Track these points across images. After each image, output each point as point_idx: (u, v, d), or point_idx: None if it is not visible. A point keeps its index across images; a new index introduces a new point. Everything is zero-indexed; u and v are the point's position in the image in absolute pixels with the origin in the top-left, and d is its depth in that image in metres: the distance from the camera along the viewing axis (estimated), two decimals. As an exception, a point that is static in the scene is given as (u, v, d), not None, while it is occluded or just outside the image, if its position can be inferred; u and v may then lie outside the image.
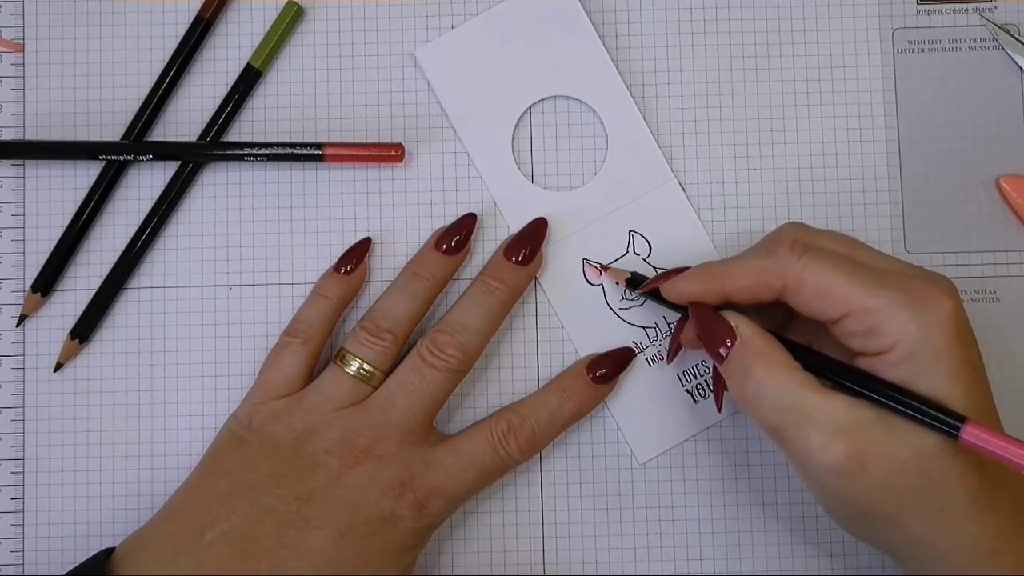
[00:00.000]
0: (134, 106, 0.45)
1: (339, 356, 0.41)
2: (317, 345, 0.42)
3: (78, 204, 0.44)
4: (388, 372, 0.41)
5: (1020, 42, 0.45)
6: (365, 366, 0.41)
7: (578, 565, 0.44)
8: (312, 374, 0.42)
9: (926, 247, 0.45)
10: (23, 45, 0.45)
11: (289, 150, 0.44)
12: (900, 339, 0.35)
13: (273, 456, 0.40)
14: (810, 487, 0.38)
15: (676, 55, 0.45)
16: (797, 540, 0.44)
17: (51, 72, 0.45)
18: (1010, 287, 0.45)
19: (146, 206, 0.44)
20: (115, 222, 0.45)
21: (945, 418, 0.34)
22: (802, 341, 0.39)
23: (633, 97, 0.45)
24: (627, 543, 0.44)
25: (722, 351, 0.37)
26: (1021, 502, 0.36)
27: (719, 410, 0.43)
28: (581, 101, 0.45)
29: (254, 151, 0.44)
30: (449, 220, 0.44)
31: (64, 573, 0.39)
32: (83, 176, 0.45)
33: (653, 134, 0.45)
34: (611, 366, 0.43)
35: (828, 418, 0.35)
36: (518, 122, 0.45)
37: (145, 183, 0.45)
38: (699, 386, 0.44)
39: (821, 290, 0.36)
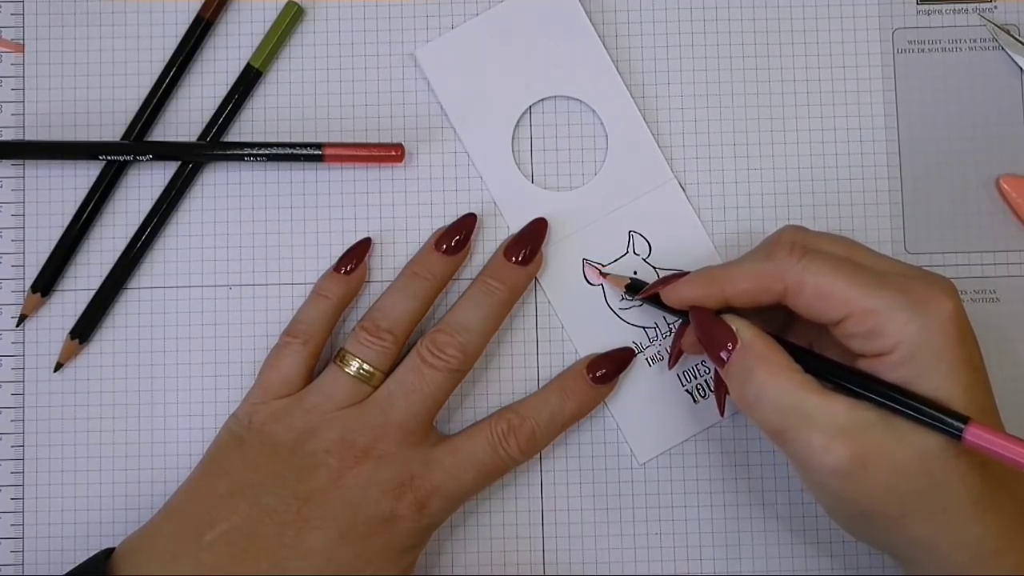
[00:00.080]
0: (134, 106, 0.45)
1: (339, 356, 0.41)
2: (317, 345, 0.42)
3: (78, 204, 0.44)
4: (388, 372, 0.41)
5: (1020, 42, 0.45)
6: (365, 366, 0.41)
7: (578, 565, 0.44)
8: (312, 374, 0.42)
9: (926, 247, 0.45)
10: (23, 45, 0.45)
11: (289, 150, 0.44)
12: (901, 340, 0.35)
13: (273, 456, 0.40)
14: (811, 488, 0.38)
15: (676, 55, 0.45)
16: (797, 540, 0.44)
17: (51, 72, 0.45)
18: (1010, 287, 0.45)
19: (146, 206, 0.44)
20: (115, 222, 0.45)
21: (947, 419, 0.34)
22: (802, 343, 0.39)
23: (633, 97, 0.45)
24: (627, 543, 0.44)
25: (723, 355, 0.37)
26: (1022, 502, 0.36)
27: (722, 414, 0.43)
28: (581, 101, 0.45)
29: (254, 151, 0.44)
30: (449, 220, 0.44)
31: (64, 573, 0.39)
32: (83, 176, 0.45)
33: (653, 134, 0.45)
34: (611, 366, 0.43)
35: (829, 420, 0.35)
36: (518, 122, 0.45)
37: (145, 183, 0.45)
38: (699, 386, 0.44)
39: (821, 292, 0.36)
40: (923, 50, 0.45)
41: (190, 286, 0.45)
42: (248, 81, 0.45)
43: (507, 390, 0.44)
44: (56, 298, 0.44)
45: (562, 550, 0.44)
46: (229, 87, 0.45)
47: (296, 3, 0.45)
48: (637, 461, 0.44)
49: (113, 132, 0.45)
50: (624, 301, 0.44)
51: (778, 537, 0.44)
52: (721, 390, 0.42)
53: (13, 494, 0.44)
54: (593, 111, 0.45)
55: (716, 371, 0.42)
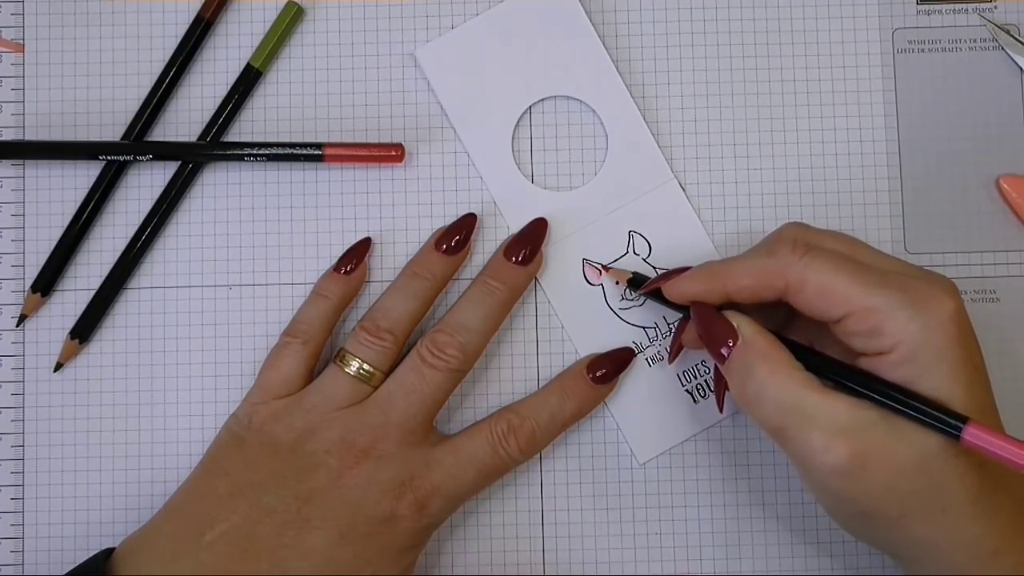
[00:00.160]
0: (134, 106, 0.45)
1: (339, 356, 0.41)
2: (317, 345, 0.42)
3: (78, 204, 0.44)
4: (388, 372, 0.41)
5: (1020, 42, 0.45)
6: (365, 366, 0.41)
7: (578, 565, 0.44)
8: (312, 374, 0.42)
9: (926, 247, 0.45)
10: (23, 45, 0.45)
11: (289, 150, 0.44)
12: (902, 339, 0.35)
13: (273, 456, 0.40)
14: (811, 487, 0.38)
15: (676, 55, 0.45)
16: (797, 540, 0.44)
17: (51, 72, 0.45)
18: (1010, 287, 0.45)
19: (146, 206, 0.44)
20: (115, 222, 0.45)
21: (947, 419, 0.34)
22: (803, 341, 0.39)
23: (633, 97, 0.45)
24: (627, 543, 0.44)
25: (724, 351, 0.37)
26: (1022, 502, 0.36)
27: (721, 410, 0.43)
28: (581, 101, 0.45)
29: (254, 151, 0.44)
30: (449, 220, 0.44)
31: (64, 573, 0.39)
32: (83, 176, 0.45)
33: (653, 134, 0.45)
34: (611, 366, 0.43)
35: (830, 419, 0.35)
36: (518, 122, 0.45)
37: (145, 183, 0.45)
38: (699, 386, 0.44)
39: (823, 290, 0.36)
40: (923, 50, 0.45)
41: (190, 286, 0.45)
42: (248, 81, 0.45)
43: (507, 390, 0.44)
44: (56, 298, 0.44)
45: (562, 550, 0.44)
46: (229, 87, 0.45)
47: (296, 3, 0.45)
48: (637, 461, 0.44)
49: (113, 132, 0.45)
50: (624, 301, 0.44)
51: (778, 537, 0.44)
52: (721, 386, 0.42)
53: (13, 494, 0.44)
54: (593, 111, 0.45)
55: (716, 368, 0.42)
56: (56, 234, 0.44)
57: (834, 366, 0.37)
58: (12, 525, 0.44)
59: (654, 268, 0.44)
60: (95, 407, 0.44)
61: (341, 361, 0.41)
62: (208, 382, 0.44)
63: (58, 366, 0.44)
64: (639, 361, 0.44)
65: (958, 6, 0.45)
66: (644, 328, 0.44)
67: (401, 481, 0.39)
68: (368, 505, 0.39)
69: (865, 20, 0.45)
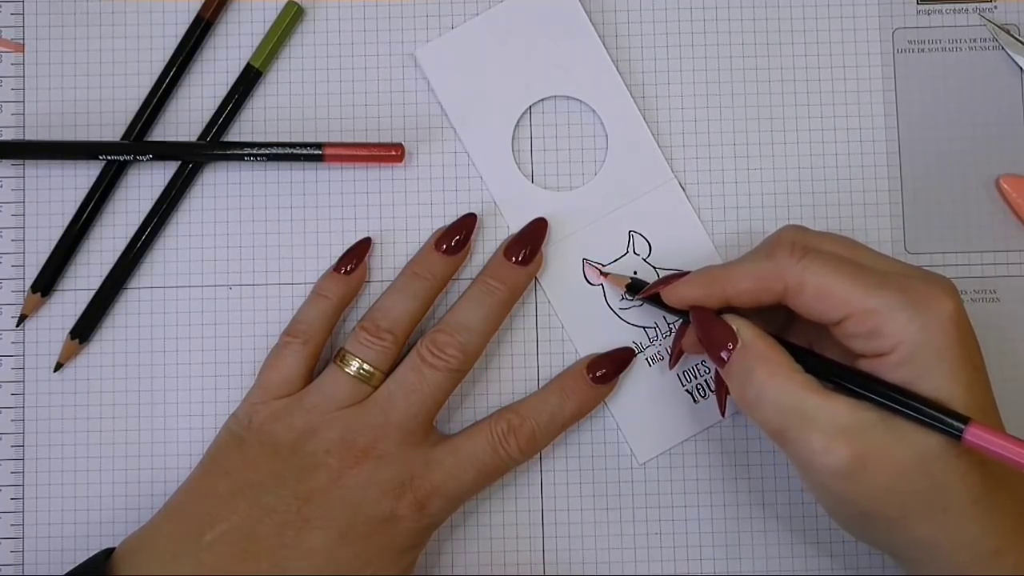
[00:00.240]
0: (134, 106, 0.45)
1: (339, 356, 0.41)
2: (317, 345, 0.42)
3: (78, 204, 0.44)
4: (388, 372, 0.41)
5: (1020, 42, 0.45)
6: (365, 366, 0.41)
7: (578, 565, 0.44)
8: (312, 374, 0.42)
9: (926, 247, 0.45)
10: (23, 45, 0.45)
11: (289, 150, 0.43)
12: (901, 340, 0.35)
13: (273, 456, 0.40)
14: (811, 489, 0.38)
15: (676, 55, 0.45)
16: (797, 540, 0.44)
17: (51, 72, 0.45)
18: (1010, 287, 0.45)
19: (146, 206, 0.44)
20: (115, 222, 0.45)
21: (948, 419, 0.34)
22: (803, 343, 0.39)
23: (633, 97, 0.45)
24: (627, 543, 0.44)
25: (723, 355, 0.37)
26: (1023, 502, 0.36)
27: (722, 414, 0.43)
28: (581, 101, 0.45)
29: (254, 151, 0.44)
30: (449, 220, 0.44)
31: (64, 573, 0.39)
32: (83, 176, 0.45)
33: (653, 134, 0.45)
34: (611, 366, 0.43)
35: (830, 420, 0.34)
36: (518, 122, 0.45)
37: (145, 183, 0.45)
38: (699, 386, 0.44)
39: (822, 292, 0.36)
40: (923, 50, 0.45)
41: (190, 286, 0.45)
42: (248, 81, 0.45)
43: (507, 390, 0.44)
44: (56, 298, 0.44)
45: (562, 550, 0.44)
46: (229, 87, 0.45)
47: (296, 3, 0.45)
48: (637, 461, 0.44)
49: (113, 132, 0.45)
50: (624, 301, 0.44)
51: (778, 537, 0.44)
52: (722, 390, 0.42)
53: (13, 494, 0.44)
54: (593, 111, 0.45)
55: (717, 371, 0.42)
56: (56, 234, 0.44)
57: (834, 368, 0.37)
58: (12, 525, 0.44)
59: (654, 268, 0.44)
60: (95, 407, 0.44)
61: (341, 361, 0.41)
62: (208, 382, 0.44)
63: (58, 366, 0.44)
64: (639, 361, 0.44)
65: (958, 6, 0.45)
66: (644, 328, 0.44)
67: (401, 481, 0.39)
68: (368, 505, 0.39)
69: (865, 20, 0.45)
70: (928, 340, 0.34)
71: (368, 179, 0.45)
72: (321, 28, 0.45)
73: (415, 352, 0.41)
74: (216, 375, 0.44)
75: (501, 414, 0.42)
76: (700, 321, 0.38)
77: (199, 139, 0.45)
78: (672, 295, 0.40)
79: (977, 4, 0.45)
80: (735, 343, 0.37)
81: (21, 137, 0.45)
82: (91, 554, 0.40)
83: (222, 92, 0.45)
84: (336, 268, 0.43)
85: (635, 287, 0.43)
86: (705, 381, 0.44)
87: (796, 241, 0.37)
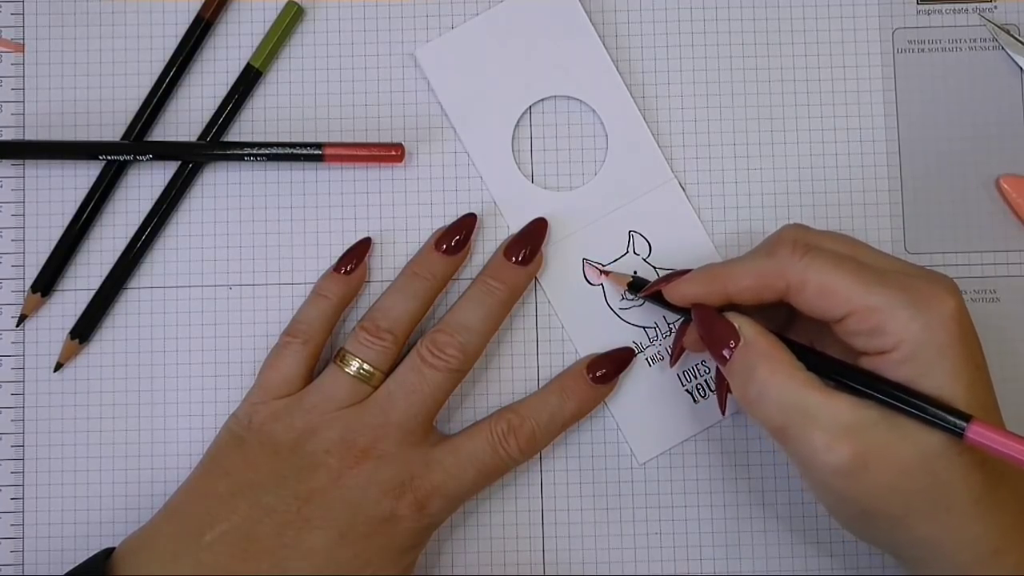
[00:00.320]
0: (134, 106, 0.45)
1: (339, 356, 0.41)
2: (317, 345, 0.42)
3: (78, 204, 0.44)
4: (388, 372, 0.41)
5: (1020, 42, 0.45)
6: (365, 366, 0.41)
7: (578, 565, 0.44)
8: (312, 374, 0.42)
9: (926, 247, 0.45)
10: (23, 45, 0.45)
11: (289, 150, 0.44)
12: (903, 338, 0.35)
13: (273, 456, 0.40)
14: (813, 487, 0.38)
15: (676, 55, 0.45)
16: (797, 540, 0.44)
17: (51, 72, 0.45)
18: (1010, 287, 0.45)
19: (146, 206, 0.44)
20: (115, 222, 0.45)
21: (950, 417, 0.34)
22: (804, 341, 0.39)
23: (633, 97, 0.45)
24: (627, 543, 0.44)
25: (725, 352, 0.37)
26: (1024, 500, 0.36)
27: (723, 413, 0.43)
28: (581, 101, 0.45)
29: (254, 151, 0.44)
30: (449, 220, 0.44)
31: (64, 573, 0.39)
32: (83, 176, 0.45)
33: (653, 134, 0.45)
34: (611, 366, 0.43)
35: (832, 418, 0.34)
36: (518, 122, 0.45)
37: (145, 183, 0.45)
38: (699, 386, 0.44)
39: (824, 290, 0.36)
40: (923, 50, 0.45)
41: (190, 286, 0.45)
42: (248, 81, 0.45)
43: (507, 390, 0.44)
44: (56, 298, 0.44)
45: (562, 550, 0.44)
46: (229, 87, 0.45)
47: (296, 3, 0.45)
48: (637, 461, 0.44)
49: (113, 132, 0.45)
50: (624, 301, 0.44)
51: (778, 537, 0.44)
52: (723, 388, 0.42)
53: (13, 494, 0.44)
54: (593, 111, 0.45)
55: (717, 369, 0.42)
56: (56, 234, 0.44)
57: (836, 366, 0.37)
58: (12, 525, 0.44)
59: (654, 268, 0.44)
60: (95, 407, 0.44)
61: (341, 361, 0.41)
62: (208, 382, 0.44)
63: (58, 366, 0.44)
64: (639, 361, 0.44)
65: (958, 6, 0.45)
66: (644, 328, 0.44)
67: (401, 481, 0.39)
68: (368, 505, 0.39)
69: (865, 20, 0.45)
70: (930, 338, 0.34)
71: (368, 179, 0.45)
72: (321, 28, 0.45)
73: (415, 352, 0.41)
74: (216, 375, 0.44)
75: (501, 414, 0.42)
76: (702, 319, 0.38)
77: (199, 139, 0.45)
78: (674, 293, 0.40)
79: (977, 4, 0.45)
80: (737, 341, 0.37)
81: (21, 137, 0.45)
82: (91, 554, 0.40)
83: (222, 92, 0.45)
84: (336, 268, 0.43)
85: (636, 285, 0.43)
86: (705, 381, 0.44)
87: (798, 239, 0.37)
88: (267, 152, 0.44)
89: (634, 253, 0.44)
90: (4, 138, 0.45)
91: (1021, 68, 0.45)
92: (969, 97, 0.45)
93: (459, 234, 0.43)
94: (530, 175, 0.45)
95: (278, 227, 0.45)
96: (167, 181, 0.44)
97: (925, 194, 0.45)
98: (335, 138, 0.45)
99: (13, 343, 0.44)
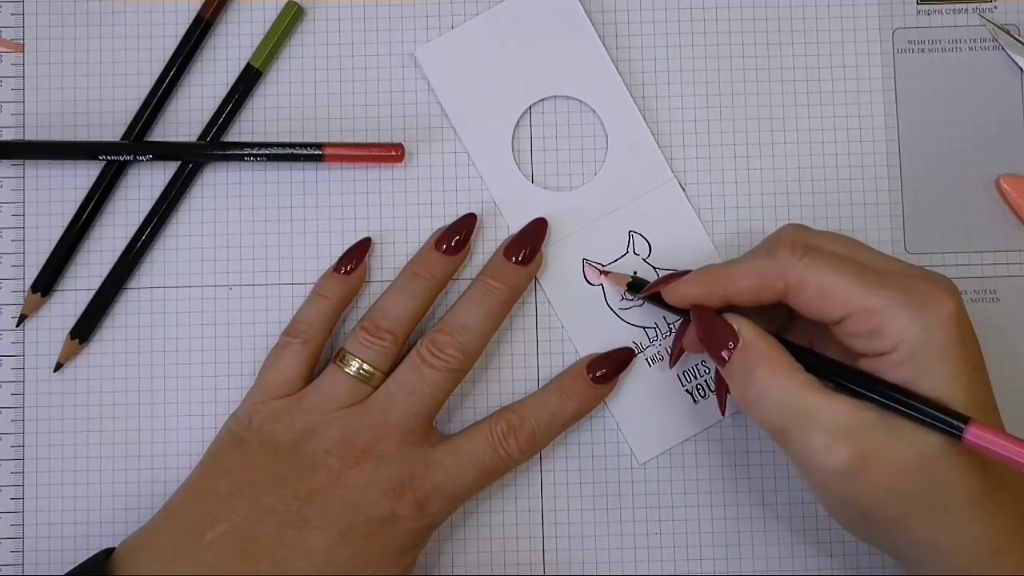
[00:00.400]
0: (134, 106, 0.45)
1: (339, 356, 0.41)
2: (317, 345, 0.42)
3: (78, 204, 0.44)
4: (388, 372, 0.41)
5: (1020, 42, 0.45)
6: (365, 366, 0.41)
7: (578, 565, 0.44)
8: (312, 374, 0.42)
9: (926, 247, 0.45)
10: (23, 45, 0.45)
11: (289, 150, 0.44)
12: (902, 340, 0.35)
13: (273, 456, 0.40)
14: (812, 489, 0.38)
15: (676, 55, 0.45)
16: (797, 540, 0.44)
17: (51, 72, 0.45)
18: (1010, 287, 0.45)
19: (146, 206, 0.44)
20: (115, 222, 0.45)
21: (948, 419, 0.34)
22: (803, 343, 0.39)
23: (633, 97, 0.45)
24: (627, 543, 0.44)
25: (724, 354, 0.37)
26: (1023, 502, 0.36)
27: (723, 413, 0.43)
28: (581, 101, 0.45)
29: (254, 151, 0.44)
30: (449, 220, 0.44)
31: (64, 573, 0.39)
32: (83, 176, 0.45)
33: (653, 134, 0.45)
34: (611, 366, 0.43)
35: (831, 420, 0.34)
36: (518, 122, 0.45)
37: (145, 183, 0.45)
38: (699, 386, 0.44)
39: (823, 291, 0.36)
40: (923, 50, 0.45)
41: (190, 286, 0.45)
42: (248, 81, 0.45)
43: (507, 390, 0.44)
44: (56, 298, 0.44)
45: (562, 550, 0.44)
46: (229, 87, 0.45)
47: (296, 3, 0.45)
48: (637, 461, 0.44)
49: (113, 132, 0.45)
50: (624, 301, 0.44)
51: (778, 537, 0.44)
52: (722, 389, 0.42)
53: (13, 494, 0.44)
54: (593, 111, 0.45)
55: (717, 370, 0.42)
56: (56, 234, 0.44)
57: (835, 367, 0.37)
58: (12, 525, 0.44)
59: (654, 268, 0.44)
60: (95, 407, 0.44)
61: (341, 361, 0.41)
62: (208, 382, 0.44)
63: (58, 366, 0.44)
64: (639, 361, 0.44)
65: (958, 6, 0.45)
66: (644, 328, 0.44)
67: (401, 481, 0.39)
68: (368, 505, 0.39)
69: (865, 20, 0.45)
70: (929, 340, 0.34)
71: (368, 179, 0.45)
72: (321, 28, 0.45)
73: (415, 352, 0.41)
74: (216, 375, 0.44)
75: (501, 414, 0.42)
76: (701, 320, 0.38)
77: (199, 139, 0.45)
78: (673, 294, 0.40)
79: (977, 4, 0.45)
80: (736, 342, 0.37)
81: (21, 137, 0.45)
82: (91, 554, 0.40)
83: (222, 92, 0.45)
84: (336, 268, 0.43)
85: (636, 286, 0.43)
86: (705, 381, 0.44)
87: (797, 240, 0.37)
88: (267, 152, 0.44)
89: (634, 253, 0.44)
90: (4, 138, 0.45)
91: (1021, 68, 0.45)
92: (969, 97, 0.45)
93: (459, 234, 0.43)
94: (530, 175, 0.45)
95: (278, 227, 0.45)
96: (167, 181, 0.44)
97: (925, 194, 0.45)
98: (335, 138, 0.45)
99: (13, 343, 0.44)
